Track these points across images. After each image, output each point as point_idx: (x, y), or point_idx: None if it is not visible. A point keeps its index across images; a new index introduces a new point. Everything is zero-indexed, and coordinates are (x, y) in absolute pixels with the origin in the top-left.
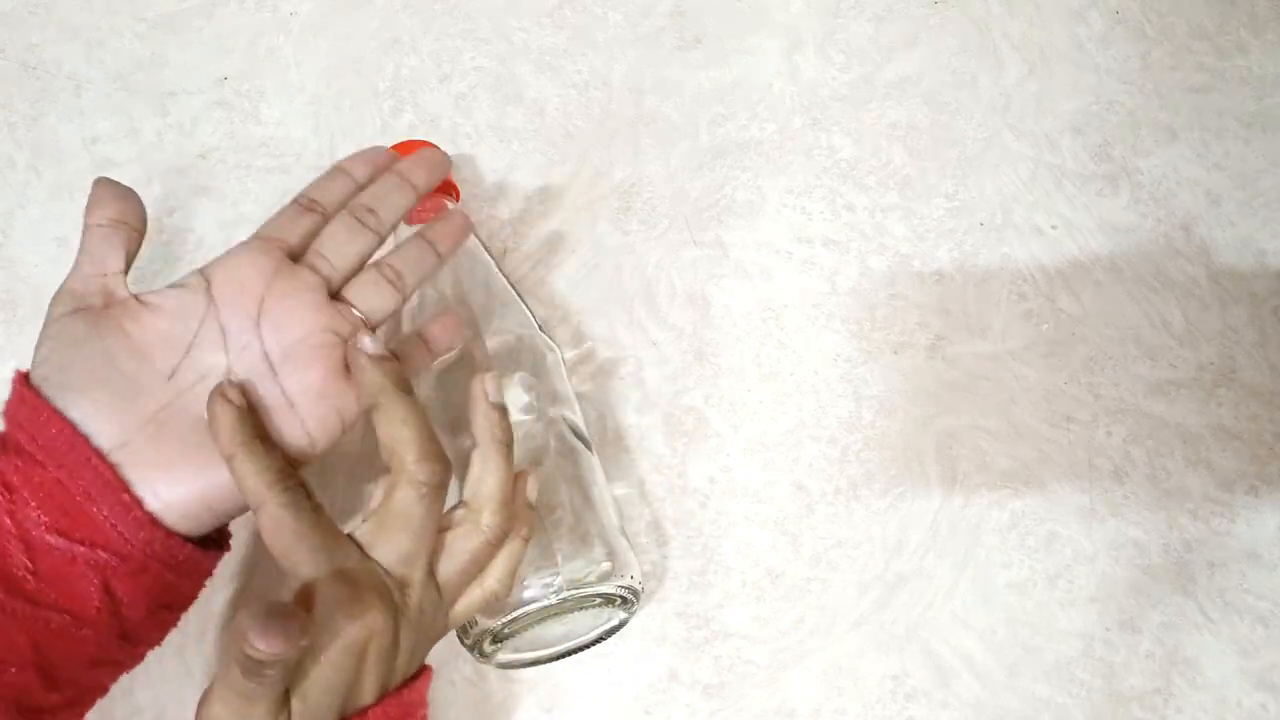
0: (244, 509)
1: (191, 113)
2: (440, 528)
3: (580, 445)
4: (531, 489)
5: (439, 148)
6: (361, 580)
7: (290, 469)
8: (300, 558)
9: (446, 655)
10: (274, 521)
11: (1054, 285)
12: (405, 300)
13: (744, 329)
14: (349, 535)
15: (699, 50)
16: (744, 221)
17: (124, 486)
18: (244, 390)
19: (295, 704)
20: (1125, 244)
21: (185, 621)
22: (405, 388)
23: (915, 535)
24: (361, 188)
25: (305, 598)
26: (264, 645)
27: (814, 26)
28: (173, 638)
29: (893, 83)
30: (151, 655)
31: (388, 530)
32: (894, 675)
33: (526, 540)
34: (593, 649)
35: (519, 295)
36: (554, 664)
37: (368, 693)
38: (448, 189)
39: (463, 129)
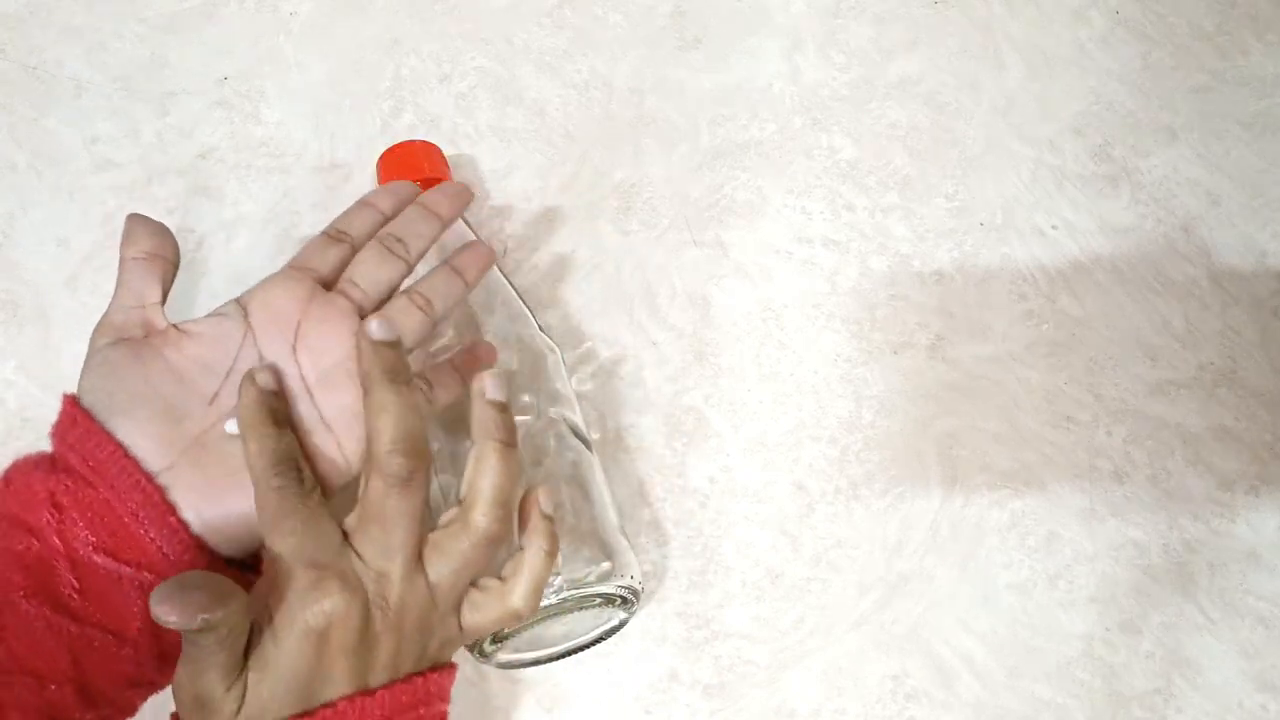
0: None
1: (192, 113)
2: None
3: (580, 445)
4: (545, 502)
5: (461, 183)
6: (329, 568)
7: (292, 455)
8: (278, 538)
9: None
10: (263, 500)
11: (1055, 286)
12: (435, 326)
13: (744, 329)
14: (341, 524)
15: (699, 51)
16: (744, 222)
17: (171, 509)
18: (276, 374)
19: (252, 676)
20: (1126, 245)
21: None
22: (396, 378)
23: (916, 535)
24: (387, 219)
25: (277, 580)
26: (158, 611)
27: (814, 27)
28: None
29: (893, 83)
30: None
31: (365, 522)
32: (894, 675)
33: (550, 555)
34: (593, 649)
35: (519, 295)
36: (554, 664)
37: (339, 684)
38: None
39: (463, 129)
